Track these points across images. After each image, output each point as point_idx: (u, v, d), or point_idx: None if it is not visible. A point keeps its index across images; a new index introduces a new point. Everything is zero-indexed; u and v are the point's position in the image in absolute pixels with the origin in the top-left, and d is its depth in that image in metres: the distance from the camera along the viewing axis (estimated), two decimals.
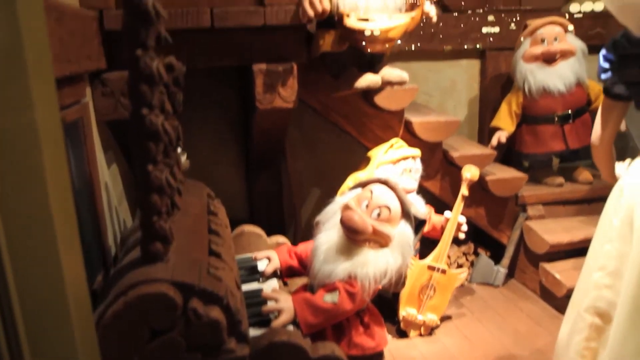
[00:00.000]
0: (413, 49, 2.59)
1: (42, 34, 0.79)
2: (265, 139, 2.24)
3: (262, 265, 1.81)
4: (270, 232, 2.18)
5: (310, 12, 1.69)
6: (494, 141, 2.58)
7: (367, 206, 1.60)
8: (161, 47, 1.22)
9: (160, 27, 1.21)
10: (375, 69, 1.91)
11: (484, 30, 2.68)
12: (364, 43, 1.78)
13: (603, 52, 1.45)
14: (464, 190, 2.07)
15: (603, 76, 1.45)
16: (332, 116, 2.10)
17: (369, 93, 2.01)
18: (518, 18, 2.69)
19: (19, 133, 0.72)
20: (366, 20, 1.77)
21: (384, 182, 1.65)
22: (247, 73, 1.92)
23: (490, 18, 2.66)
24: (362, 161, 2.10)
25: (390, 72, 1.91)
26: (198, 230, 1.53)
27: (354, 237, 1.56)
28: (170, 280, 1.13)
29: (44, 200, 0.75)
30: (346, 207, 1.61)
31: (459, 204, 2.06)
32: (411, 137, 2.16)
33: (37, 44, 0.76)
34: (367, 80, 1.86)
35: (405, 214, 1.62)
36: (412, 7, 1.87)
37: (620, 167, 1.57)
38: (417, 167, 2.04)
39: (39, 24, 0.77)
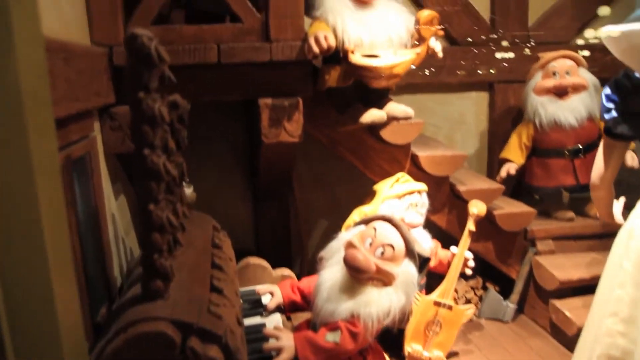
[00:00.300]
0: (421, 81, 2.60)
1: (42, 78, 0.80)
2: (272, 171, 2.25)
3: (265, 300, 1.80)
4: (277, 264, 2.17)
5: (316, 49, 1.71)
6: (503, 173, 2.56)
7: (370, 244, 1.59)
8: (167, 84, 1.24)
9: (164, 68, 1.23)
10: (380, 104, 1.92)
11: (493, 61, 2.69)
12: (368, 79, 1.79)
13: (606, 91, 1.45)
14: (470, 226, 2.05)
15: (607, 116, 1.44)
16: (338, 149, 2.11)
17: (375, 127, 2.01)
18: (527, 51, 2.70)
19: (14, 173, 0.73)
20: (371, 56, 1.79)
21: (388, 220, 1.64)
22: (253, 106, 1.94)
23: (499, 51, 2.67)
24: (369, 193, 2.10)
25: (396, 107, 1.91)
26: (201, 265, 1.53)
27: (357, 276, 1.56)
28: (170, 318, 1.13)
29: (39, 240, 0.76)
30: (350, 245, 1.60)
31: (465, 240, 2.04)
32: (418, 171, 2.16)
33: (36, 87, 0.77)
34: (372, 115, 1.87)
35: (409, 252, 1.61)
36: (417, 43, 1.88)
37: (617, 207, 1.55)
38: (423, 201, 2.03)
39: (39, 70, 0.79)
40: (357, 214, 2.01)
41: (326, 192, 2.65)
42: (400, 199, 1.97)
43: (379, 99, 1.93)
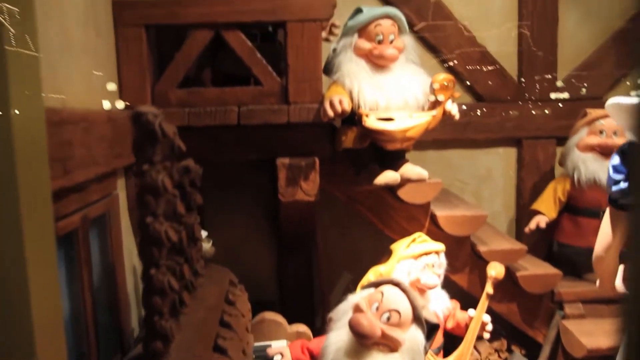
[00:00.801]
0: (448, 137, 2.61)
1: (41, 154, 0.87)
2: (292, 226, 2.30)
3: None
4: (299, 316, 2.19)
5: (330, 113, 1.76)
6: (533, 225, 2.50)
7: (377, 308, 1.59)
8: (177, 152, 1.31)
9: (174, 138, 1.31)
10: (395, 166, 1.94)
11: (521, 117, 2.67)
12: (383, 142, 1.82)
13: (614, 162, 1.42)
14: (488, 289, 2.00)
15: (614, 188, 1.40)
16: (356, 207, 2.13)
17: (392, 186, 2.03)
18: (556, 107, 2.68)
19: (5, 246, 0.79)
20: (386, 119, 1.83)
21: (397, 284, 1.64)
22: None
23: (527, 107, 2.65)
24: (387, 252, 2.10)
25: (410, 169, 1.93)
26: (208, 323, 1.56)
27: (362, 341, 1.55)
28: None
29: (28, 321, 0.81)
30: (356, 309, 1.60)
31: (483, 303, 2.00)
32: (437, 230, 2.15)
33: (33, 162, 0.84)
34: (386, 177, 1.89)
35: (417, 318, 1.60)
36: (433, 105, 1.90)
37: (618, 276, 1.49)
38: (440, 262, 2.00)
39: (37, 146, 0.86)
40: (373, 273, 2.01)
41: (350, 246, 2.66)
42: (416, 259, 1.96)
43: (395, 160, 1.96)
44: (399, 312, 1.57)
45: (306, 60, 1.88)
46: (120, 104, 1.84)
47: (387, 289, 1.63)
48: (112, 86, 1.77)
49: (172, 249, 1.39)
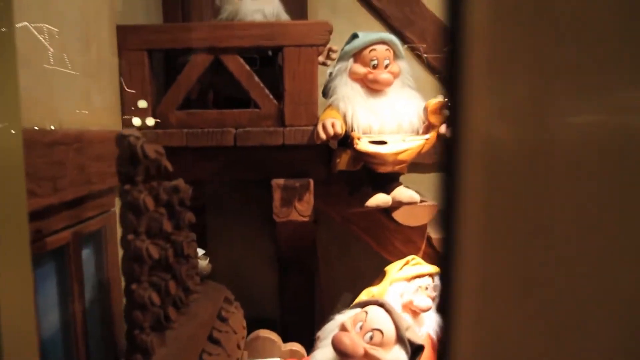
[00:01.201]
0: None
1: (17, 172, 0.93)
2: (290, 245, 2.33)
3: None
4: (299, 334, 2.21)
5: (323, 136, 1.81)
6: None
7: (361, 328, 1.61)
8: (164, 173, 1.37)
9: (162, 159, 1.37)
10: (388, 188, 1.96)
11: None
12: (374, 165, 1.85)
13: None
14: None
15: None
16: (352, 228, 2.15)
17: (387, 208, 2.05)
18: None
19: None
20: (379, 142, 1.86)
21: (381, 305, 1.66)
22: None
23: None
24: (381, 273, 2.11)
25: (402, 192, 1.95)
26: (195, 339, 1.61)
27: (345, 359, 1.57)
28: None
29: None
30: (341, 327, 1.62)
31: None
32: (433, 252, 2.15)
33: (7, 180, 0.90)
34: (377, 200, 1.91)
35: (400, 338, 1.61)
36: (427, 129, 1.93)
37: None
38: (435, 284, 2.01)
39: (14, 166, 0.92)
40: (365, 294, 2.02)
41: (351, 265, 2.68)
42: (409, 282, 1.97)
43: (389, 182, 1.98)
44: (381, 332, 1.58)
45: (302, 84, 1.93)
46: (150, 121, 1.92)
47: (371, 309, 1.65)
48: (143, 104, 1.84)
49: (158, 265, 1.44)
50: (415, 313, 1.98)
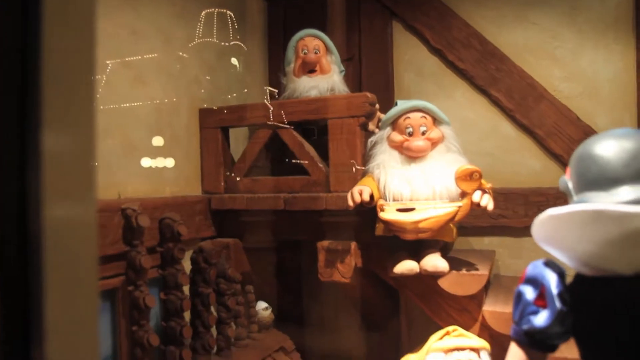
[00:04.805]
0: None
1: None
2: (371, 305, 2.41)
3: None
4: None
5: (350, 203, 1.90)
6: None
7: None
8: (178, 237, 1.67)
9: (174, 225, 1.67)
10: (421, 255, 1.94)
11: None
12: (397, 232, 1.87)
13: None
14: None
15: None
16: (405, 292, 2.15)
17: (434, 276, 2.00)
18: None
19: None
20: (407, 210, 1.88)
21: None
22: None
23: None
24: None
25: (428, 260, 1.89)
26: None
27: None
28: None
29: None
30: None
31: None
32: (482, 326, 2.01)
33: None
34: (403, 267, 1.90)
35: None
36: (463, 195, 1.87)
37: None
38: None
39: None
40: None
41: (435, 326, 2.59)
42: (446, 353, 1.89)
43: (424, 249, 1.95)
44: None
45: (344, 152, 2.07)
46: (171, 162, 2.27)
47: None
48: (158, 141, 2.21)
49: (174, 313, 1.72)
50: None
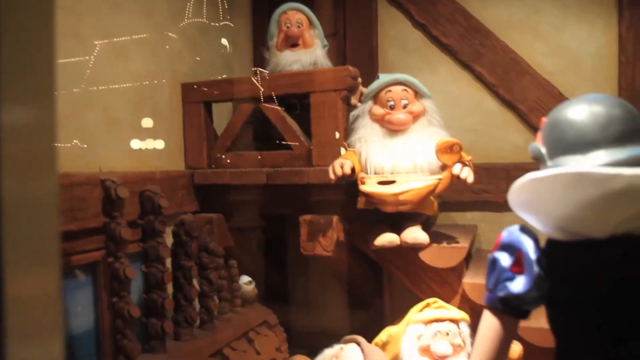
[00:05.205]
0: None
1: None
2: (356, 279, 2.44)
3: None
4: None
5: (331, 176, 1.91)
6: None
7: None
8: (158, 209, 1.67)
9: (156, 197, 1.67)
10: (402, 228, 1.95)
11: None
12: (377, 205, 1.88)
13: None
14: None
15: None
16: (387, 266, 2.17)
17: (414, 248, 2.02)
18: None
19: None
20: (388, 182, 1.89)
21: (358, 343, 1.68)
22: None
23: None
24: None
25: (408, 233, 1.91)
26: (199, 352, 1.84)
27: None
28: None
29: None
30: None
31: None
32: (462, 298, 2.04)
33: None
34: (384, 239, 1.91)
35: None
36: (443, 168, 1.88)
37: None
38: (460, 331, 1.91)
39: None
40: (384, 333, 2.02)
41: (418, 300, 2.63)
42: (426, 325, 1.91)
43: (404, 222, 1.97)
44: None
45: (327, 126, 2.07)
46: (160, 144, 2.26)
47: (347, 346, 1.69)
48: (147, 122, 2.20)
49: (155, 286, 1.73)
50: (436, 359, 1.91)
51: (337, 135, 2.07)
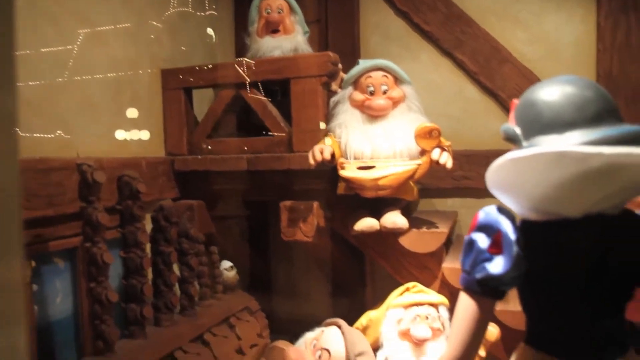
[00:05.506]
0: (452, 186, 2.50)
1: None
2: (329, 268, 2.45)
3: None
4: None
5: (311, 161, 1.92)
6: None
7: (314, 346, 1.68)
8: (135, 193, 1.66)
9: (130, 180, 1.66)
10: (381, 212, 1.96)
11: None
12: (356, 190, 1.89)
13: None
14: (480, 352, 1.85)
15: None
16: (368, 251, 2.18)
17: (394, 233, 2.03)
18: None
19: None
20: (367, 167, 1.89)
21: (339, 326, 1.70)
22: None
23: None
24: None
25: (388, 218, 1.92)
26: (176, 338, 1.84)
27: None
28: None
29: None
30: (301, 344, 1.72)
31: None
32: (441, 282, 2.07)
33: None
34: (363, 224, 1.93)
35: None
36: (422, 153, 1.89)
37: None
38: (439, 315, 1.93)
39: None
40: (365, 318, 2.04)
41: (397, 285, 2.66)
42: (406, 309, 1.93)
43: (384, 207, 1.98)
44: (328, 352, 1.63)
45: (306, 112, 2.07)
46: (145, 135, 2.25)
47: (327, 329, 1.70)
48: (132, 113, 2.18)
49: (134, 271, 1.73)
50: (416, 342, 1.93)
51: (323, 125, 2.07)
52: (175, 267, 1.93)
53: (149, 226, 2.19)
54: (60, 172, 1.71)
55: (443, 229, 2.04)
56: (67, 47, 1.84)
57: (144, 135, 2.18)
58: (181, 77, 2.24)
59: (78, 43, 1.86)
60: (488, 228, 1.16)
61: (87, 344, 1.87)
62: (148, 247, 1.80)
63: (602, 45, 2.32)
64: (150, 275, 1.85)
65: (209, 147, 2.23)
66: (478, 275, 1.15)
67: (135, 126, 2.15)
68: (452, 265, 2.04)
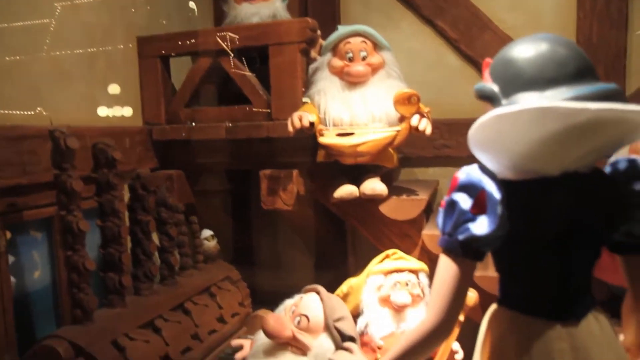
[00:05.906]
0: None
1: None
2: (310, 237, 2.45)
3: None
4: None
5: (290, 129, 1.90)
6: None
7: (293, 312, 1.68)
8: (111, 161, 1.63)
9: (107, 149, 1.63)
10: (360, 180, 1.96)
11: None
12: (336, 156, 1.88)
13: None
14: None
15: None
16: (349, 219, 2.18)
17: (375, 201, 2.04)
18: None
19: None
20: (346, 134, 1.88)
21: (318, 292, 1.70)
22: None
23: None
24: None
25: (367, 185, 1.92)
26: (158, 306, 1.83)
27: (273, 340, 1.66)
28: (68, 339, 1.49)
29: None
30: (280, 311, 1.72)
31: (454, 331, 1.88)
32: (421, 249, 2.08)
33: None
34: (343, 191, 1.92)
35: (328, 327, 1.64)
36: (401, 119, 1.89)
37: None
38: (419, 282, 1.94)
39: None
40: (346, 285, 2.05)
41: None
42: (385, 275, 1.94)
43: (363, 174, 1.98)
44: (307, 318, 1.64)
45: (285, 79, 2.04)
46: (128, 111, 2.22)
47: (307, 295, 1.71)
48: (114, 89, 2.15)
49: (112, 240, 1.71)
50: (396, 308, 1.94)
51: (307, 100, 2.04)
52: (155, 237, 1.92)
53: (126, 196, 2.18)
54: (33, 140, 1.68)
55: (423, 196, 2.05)
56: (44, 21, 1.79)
57: (120, 103, 2.13)
58: (158, 44, 2.19)
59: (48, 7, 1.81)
60: (470, 188, 1.12)
61: (66, 314, 1.86)
62: (126, 216, 1.79)
63: (582, 13, 2.32)
64: (129, 245, 1.84)
65: (188, 116, 2.20)
66: (461, 237, 1.11)
67: (114, 97, 2.11)
68: (431, 232, 2.05)
